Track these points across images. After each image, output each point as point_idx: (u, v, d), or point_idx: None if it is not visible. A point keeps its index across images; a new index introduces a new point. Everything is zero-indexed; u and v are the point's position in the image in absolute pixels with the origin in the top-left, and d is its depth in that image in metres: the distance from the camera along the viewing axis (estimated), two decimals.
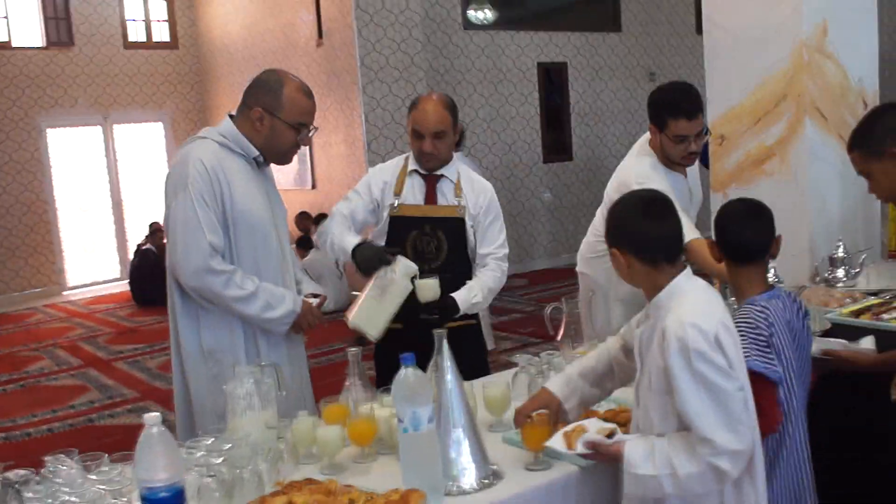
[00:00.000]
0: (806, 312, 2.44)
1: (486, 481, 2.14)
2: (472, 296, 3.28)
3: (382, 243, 3.33)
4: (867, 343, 2.88)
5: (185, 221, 2.78)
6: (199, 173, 2.80)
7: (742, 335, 2.18)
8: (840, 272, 3.92)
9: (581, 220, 10.57)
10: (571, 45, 10.33)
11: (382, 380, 3.19)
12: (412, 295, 3.14)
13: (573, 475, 2.22)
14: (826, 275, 3.98)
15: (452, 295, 3.24)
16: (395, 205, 3.33)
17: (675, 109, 3.38)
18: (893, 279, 3.93)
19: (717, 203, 4.75)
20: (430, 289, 3.15)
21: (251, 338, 2.92)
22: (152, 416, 1.80)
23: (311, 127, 2.99)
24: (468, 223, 3.35)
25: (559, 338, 3.16)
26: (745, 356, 2.12)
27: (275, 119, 2.89)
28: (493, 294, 3.40)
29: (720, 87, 4.85)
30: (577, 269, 3.94)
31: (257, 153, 2.94)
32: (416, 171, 3.35)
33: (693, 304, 2.03)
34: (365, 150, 8.35)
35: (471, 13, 9.67)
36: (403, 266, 3.05)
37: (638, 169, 3.43)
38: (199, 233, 2.77)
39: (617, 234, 2.14)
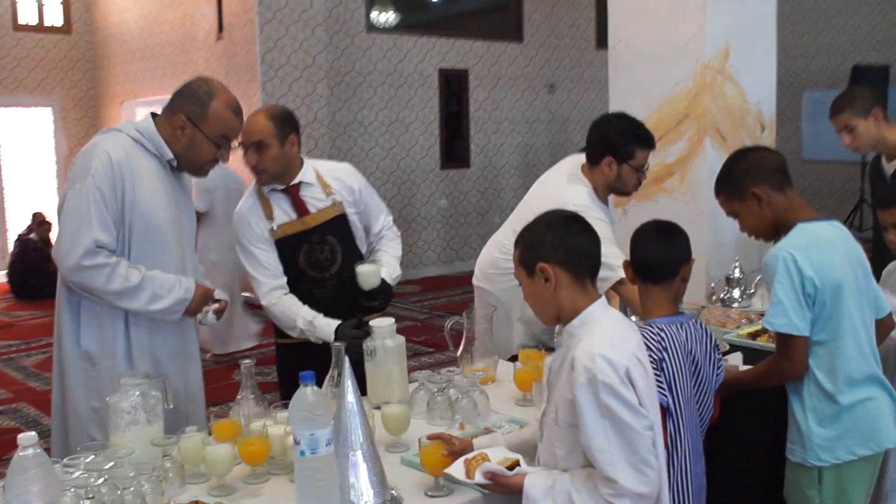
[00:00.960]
0: (716, 345, 2.40)
1: None
2: (393, 272, 3.27)
3: None
4: (734, 361, 2.95)
5: (76, 213, 2.65)
6: (103, 166, 2.66)
7: None
8: (736, 292, 3.97)
9: (476, 229, 10.58)
10: (473, 52, 10.33)
11: (286, 393, 3.06)
12: (353, 284, 3.06)
13: (476, 502, 2.14)
14: (722, 295, 4.02)
15: (383, 277, 3.19)
16: (275, 228, 3.17)
17: (644, 140, 3.35)
18: None
19: (615, 219, 4.76)
20: (373, 275, 3.09)
21: (140, 338, 2.76)
22: (27, 437, 1.64)
23: (233, 143, 2.89)
24: (350, 214, 3.27)
25: (459, 353, 3.09)
26: None
27: (196, 130, 2.77)
28: (400, 261, 3.43)
29: (622, 104, 4.86)
30: (476, 282, 3.83)
31: (172, 157, 2.81)
32: (272, 189, 3.19)
33: (605, 335, 1.96)
34: None
35: (374, 16, 9.55)
36: (381, 330, 2.76)
37: (575, 198, 3.22)
38: (88, 227, 2.62)
39: (549, 246, 2.02)
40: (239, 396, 2.47)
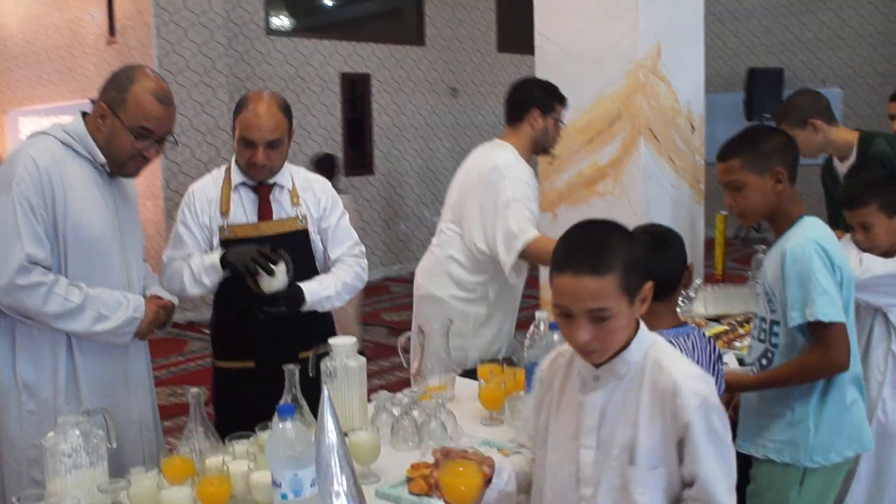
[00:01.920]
0: (720, 356, 2.30)
1: None
2: (322, 288, 2.88)
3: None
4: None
5: (2, 228, 2.34)
6: (29, 174, 2.37)
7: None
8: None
9: (381, 237, 10.35)
10: (375, 56, 10.11)
11: (221, 422, 2.77)
12: (256, 287, 2.71)
13: None
14: None
15: (299, 284, 2.82)
16: (225, 226, 2.86)
17: (561, 96, 3.62)
18: (729, 304, 3.95)
19: (544, 224, 4.63)
20: (274, 281, 2.71)
21: (85, 365, 2.47)
22: None
23: (169, 138, 2.56)
24: (312, 232, 2.95)
25: (413, 371, 2.88)
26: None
27: (115, 119, 2.46)
28: (349, 291, 2.98)
29: None
30: (421, 292, 3.61)
31: (104, 160, 2.51)
32: (243, 183, 2.91)
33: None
34: (161, 157, 7.73)
35: (274, 19, 9.23)
36: (342, 349, 2.50)
37: (501, 156, 3.44)
38: (17, 242, 2.32)
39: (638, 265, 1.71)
40: (187, 429, 2.21)
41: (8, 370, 2.42)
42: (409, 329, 3.25)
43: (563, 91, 4.62)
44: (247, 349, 2.87)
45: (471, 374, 3.09)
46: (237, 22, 8.57)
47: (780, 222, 2.43)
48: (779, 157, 2.39)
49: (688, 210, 4.65)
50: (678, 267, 2.29)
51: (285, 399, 2.37)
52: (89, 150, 2.49)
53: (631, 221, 4.38)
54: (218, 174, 2.97)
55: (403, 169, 10.49)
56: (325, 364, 2.50)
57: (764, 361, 2.46)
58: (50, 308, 2.35)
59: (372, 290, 9.00)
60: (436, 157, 10.93)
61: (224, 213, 2.87)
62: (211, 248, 2.90)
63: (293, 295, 2.79)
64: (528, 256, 3.31)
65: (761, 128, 2.56)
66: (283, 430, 1.70)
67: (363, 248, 3.10)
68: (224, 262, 2.75)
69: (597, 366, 1.72)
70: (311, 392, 2.59)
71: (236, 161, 2.90)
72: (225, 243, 2.85)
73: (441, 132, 10.96)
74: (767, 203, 2.40)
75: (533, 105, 3.50)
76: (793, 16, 12.70)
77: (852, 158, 3.66)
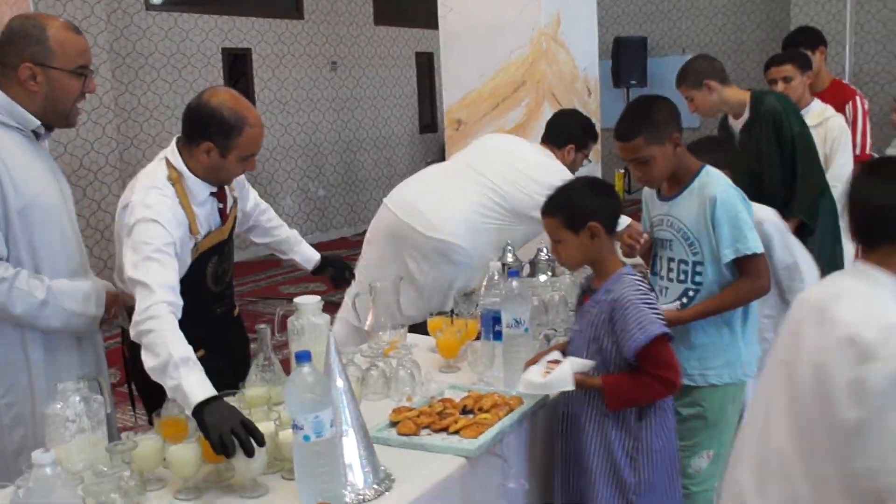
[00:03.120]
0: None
1: (383, 485, 1.96)
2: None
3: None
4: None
5: None
6: None
7: (642, 302, 2.28)
8: (542, 278, 4.02)
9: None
10: (255, 30, 9.98)
11: (151, 402, 2.63)
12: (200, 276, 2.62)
13: (463, 468, 2.10)
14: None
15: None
16: (195, 245, 2.61)
17: (596, 135, 4.02)
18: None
19: None
20: (255, 461, 2.52)
21: (38, 358, 2.41)
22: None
23: (90, 69, 2.45)
24: (240, 216, 2.90)
25: (367, 326, 3.00)
26: (651, 322, 2.25)
27: (51, 70, 2.34)
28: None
29: (456, 73, 4.92)
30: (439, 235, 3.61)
31: (38, 123, 2.39)
32: (210, 193, 2.62)
33: None
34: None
35: None
36: (307, 307, 2.49)
37: (561, 176, 3.60)
38: None
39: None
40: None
41: None
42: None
43: (468, 60, 4.83)
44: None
45: (414, 329, 3.25)
46: None
47: (682, 177, 2.69)
48: (673, 124, 2.63)
49: (588, 170, 4.91)
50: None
51: (257, 358, 2.46)
52: (18, 119, 2.36)
53: None
54: (166, 192, 2.49)
55: (287, 143, 10.44)
56: (292, 322, 2.57)
57: (685, 300, 2.70)
58: (13, 307, 2.28)
59: (265, 265, 8.98)
60: (318, 131, 10.91)
61: (194, 232, 2.55)
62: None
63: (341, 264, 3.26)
64: None
65: (647, 100, 2.72)
66: (303, 374, 1.80)
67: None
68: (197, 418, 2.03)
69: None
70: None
71: (199, 174, 2.55)
72: (196, 259, 2.61)
73: (323, 106, 10.94)
74: (671, 166, 2.65)
75: (571, 140, 3.81)
76: None
77: (746, 115, 3.96)
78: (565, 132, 3.83)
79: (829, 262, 3.94)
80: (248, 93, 10.02)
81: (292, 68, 10.49)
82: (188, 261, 2.53)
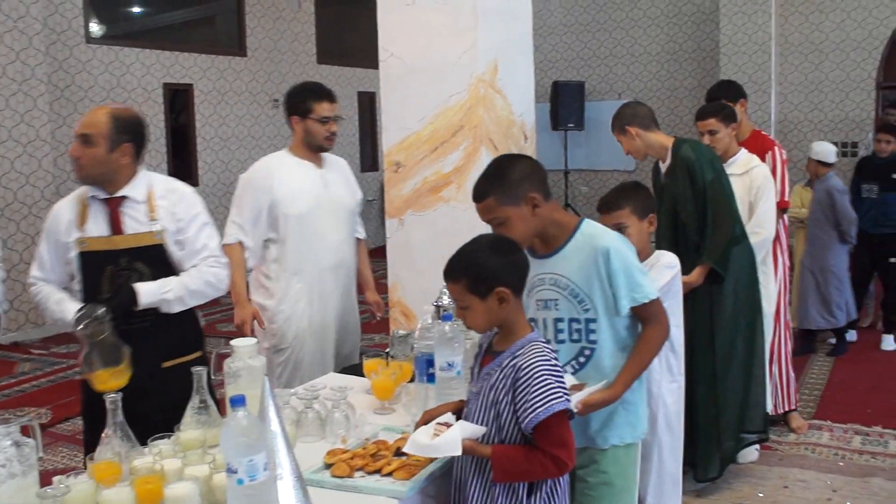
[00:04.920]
0: None
1: None
2: (163, 290, 2.96)
3: (76, 287, 3.00)
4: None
5: None
6: None
7: (549, 373, 2.15)
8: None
9: None
10: (198, 66, 10.00)
11: (90, 428, 2.94)
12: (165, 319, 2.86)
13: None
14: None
15: (135, 285, 2.92)
16: (82, 239, 2.95)
17: (317, 94, 4.03)
18: None
19: (391, 229, 4.90)
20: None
21: None
22: None
23: None
24: (170, 244, 3.02)
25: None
26: (556, 397, 2.11)
27: None
28: (196, 297, 3.09)
29: (396, 116, 4.98)
30: None
31: None
32: (94, 196, 2.99)
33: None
34: None
35: (94, 26, 8.97)
36: (244, 350, 2.58)
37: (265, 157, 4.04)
38: None
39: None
40: (105, 435, 2.27)
41: None
42: None
43: (408, 103, 4.91)
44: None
45: (349, 370, 3.31)
46: (55, 29, 8.28)
47: (557, 234, 2.56)
48: (528, 184, 2.49)
49: None
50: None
51: (193, 401, 2.49)
52: None
53: (475, 226, 4.71)
54: (80, 191, 3.06)
55: (228, 180, 10.43)
56: (228, 364, 2.62)
57: (582, 359, 2.57)
58: None
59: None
60: None
61: (80, 226, 2.96)
62: (67, 263, 2.98)
63: (124, 295, 2.91)
64: None
65: (505, 159, 2.64)
66: (237, 418, 1.84)
67: (223, 260, 3.18)
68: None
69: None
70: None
71: None
72: (81, 256, 2.96)
73: (264, 143, 10.96)
74: (532, 228, 2.52)
75: (291, 113, 4.03)
76: (590, 34, 13.58)
77: (669, 161, 4.11)
78: (286, 109, 4.05)
79: (747, 307, 4.08)
80: (190, 128, 10.02)
81: (234, 105, 10.52)
82: (72, 252, 2.96)
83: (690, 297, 3.83)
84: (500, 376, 2.20)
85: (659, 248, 4.11)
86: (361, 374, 3.07)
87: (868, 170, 6.92)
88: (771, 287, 4.69)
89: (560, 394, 2.13)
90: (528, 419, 2.11)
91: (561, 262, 2.56)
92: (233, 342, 2.64)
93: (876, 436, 5.01)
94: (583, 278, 2.53)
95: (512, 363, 2.19)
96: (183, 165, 10.05)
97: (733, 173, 4.60)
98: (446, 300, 3.33)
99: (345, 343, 4.11)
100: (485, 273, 2.23)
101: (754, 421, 4.22)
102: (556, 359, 2.22)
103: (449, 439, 2.13)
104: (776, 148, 4.96)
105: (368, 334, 6.24)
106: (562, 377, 2.18)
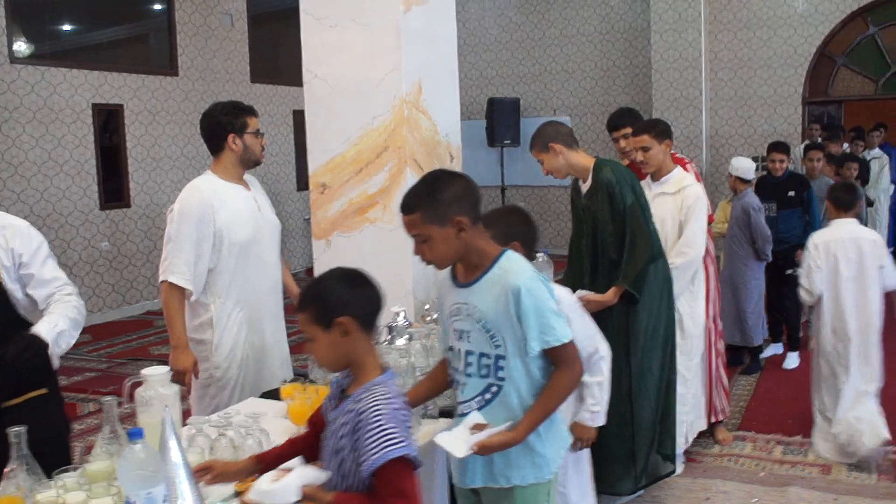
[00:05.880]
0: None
1: None
2: (53, 326, 2.79)
3: None
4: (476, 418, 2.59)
5: None
6: None
7: (390, 419, 2.06)
8: (400, 342, 4.14)
9: (142, 270, 10.12)
10: (128, 86, 9.88)
11: None
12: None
13: None
14: (436, 316, 4.26)
15: (34, 328, 2.76)
16: None
17: (247, 109, 4.11)
18: None
19: (318, 251, 4.91)
20: None
21: None
22: None
23: None
24: (7, 281, 2.85)
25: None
26: (393, 443, 2.03)
27: None
28: (76, 327, 2.90)
29: (321, 138, 5.00)
30: None
31: None
32: None
33: None
34: None
35: (18, 46, 8.83)
36: (156, 379, 2.56)
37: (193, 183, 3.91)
38: None
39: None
40: (9, 469, 2.25)
41: None
42: None
43: (333, 125, 4.93)
44: None
45: (267, 395, 3.30)
46: None
47: (478, 262, 2.50)
48: (458, 206, 2.41)
49: None
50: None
51: (103, 431, 2.47)
52: None
53: (401, 246, 4.75)
54: None
55: (161, 201, 10.31)
56: (140, 393, 2.61)
57: (488, 395, 2.53)
58: None
59: (137, 325, 8.81)
60: None
61: None
62: None
63: (30, 340, 2.73)
64: None
65: (438, 177, 2.54)
66: (135, 451, 1.84)
67: (74, 288, 3.00)
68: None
69: None
70: None
71: None
72: None
73: (198, 163, 10.85)
74: (454, 251, 2.45)
75: (227, 132, 4.00)
76: (525, 51, 13.74)
77: (589, 182, 4.15)
78: (216, 130, 4.01)
79: (663, 325, 4.13)
80: (121, 149, 9.90)
81: (166, 125, 10.42)
82: None
83: (605, 315, 3.89)
84: (344, 421, 2.13)
85: (581, 264, 4.17)
86: (279, 398, 3.08)
87: (765, 189, 6.99)
88: (699, 308, 4.71)
89: (398, 440, 2.03)
90: (365, 466, 2.03)
91: (477, 294, 2.50)
92: (144, 371, 2.63)
93: (797, 445, 5.14)
94: (494, 314, 2.47)
95: (355, 407, 2.10)
96: (114, 187, 9.92)
97: (665, 192, 4.67)
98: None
99: (284, 364, 4.08)
100: (330, 302, 2.15)
101: (665, 445, 4.21)
102: (403, 402, 2.14)
103: (285, 485, 2.07)
104: (687, 165, 5.06)
105: (302, 354, 6.22)
106: (407, 422, 2.10)
